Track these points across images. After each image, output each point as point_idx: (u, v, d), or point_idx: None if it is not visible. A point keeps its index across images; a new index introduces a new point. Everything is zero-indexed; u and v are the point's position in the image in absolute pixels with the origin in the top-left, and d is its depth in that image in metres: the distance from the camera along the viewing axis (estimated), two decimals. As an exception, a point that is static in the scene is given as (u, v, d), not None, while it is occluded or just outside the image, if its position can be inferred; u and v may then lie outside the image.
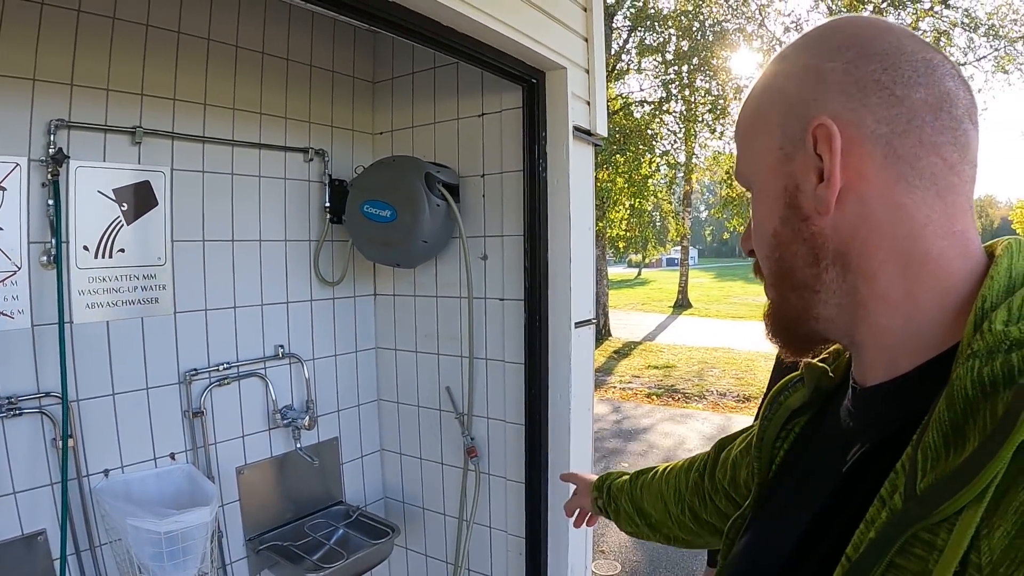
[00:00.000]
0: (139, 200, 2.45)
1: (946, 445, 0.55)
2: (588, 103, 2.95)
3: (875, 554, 0.56)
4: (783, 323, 0.79)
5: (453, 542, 3.23)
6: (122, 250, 2.41)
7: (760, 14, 16.04)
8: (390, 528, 2.97)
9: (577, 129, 2.81)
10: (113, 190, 2.37)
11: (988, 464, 0.50)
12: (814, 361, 0.91)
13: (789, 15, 16.35)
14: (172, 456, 2.56)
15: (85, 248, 2.32)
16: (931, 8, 15.02)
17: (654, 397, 11.54)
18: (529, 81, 2.70)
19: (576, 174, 2.78)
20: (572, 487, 1.77)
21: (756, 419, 1.10)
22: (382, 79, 3.34)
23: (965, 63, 15.59)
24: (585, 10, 2.90)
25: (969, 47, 15.55)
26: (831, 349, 0.93)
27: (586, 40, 2.91)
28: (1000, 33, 15.12)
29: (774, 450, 0.94)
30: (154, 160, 2.49)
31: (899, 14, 14.93)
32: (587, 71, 2.93)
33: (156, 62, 2.46)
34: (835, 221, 0.69)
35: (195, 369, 2.63)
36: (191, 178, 2.61)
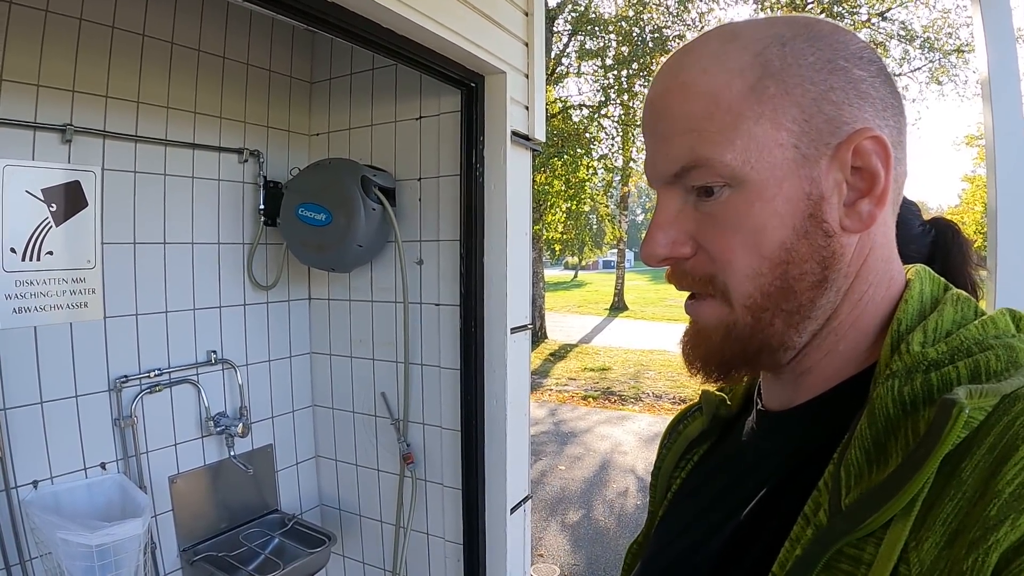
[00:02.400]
0: (69, 201, 2.37)
1: (868, 461, 0.57)
2: (527, 108, 2.95)
3: (802, 571, 0.56)
4: (749, 351, 0.69)
5: (391, 549, 3.19)
6: (51, 252, 2.33)
7: (700, 21, 16.26)
8: (326, 536, 2.92)
9: (515, 134, 2.81)
10: (42, 190, 2.29)
11: (913, 477, 0.51)
12: (711, 390, 0.90)
13: (730, 21, 16.54)
14: (103, 466, 2.48)
15: (12, 250, 2.23)
16: (868, 20, 15.43)
17: (590, 399, 11.64)
18: (468, 85, 2.69)
19: (513, 179, 2.79)
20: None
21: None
22: (320, 79, 3.30)
23: (900, 74, 16.06)
24: (526, 15, 2.90)
25: (904, 58, 16.02)
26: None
27: (526, 45, 2.91)
28: (935, 46, 15.57)
29: (671, 480, 0.91)
30: (85, 159, 2.41)
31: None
32: (527, 76, 2.93)
33: (88, 57, 2.39)
34: (850, 241, 0.66)
35: (125, 376, 2.55)
36: (123, 178, 2.54)
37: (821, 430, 0.67)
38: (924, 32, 15.56)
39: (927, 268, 0.71)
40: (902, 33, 15.54)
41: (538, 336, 18.07)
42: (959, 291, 0.68)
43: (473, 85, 2.69)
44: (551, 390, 12.44)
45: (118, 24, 2.47)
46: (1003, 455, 0.50)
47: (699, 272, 0.70)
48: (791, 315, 0.66)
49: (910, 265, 0.72)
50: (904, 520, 0.52)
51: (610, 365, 14.82)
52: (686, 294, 0.73)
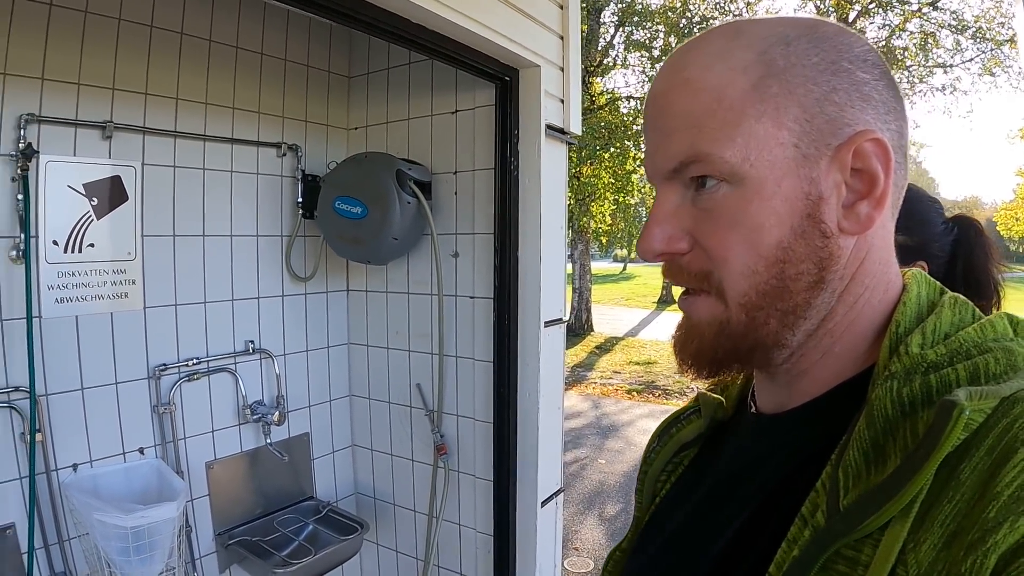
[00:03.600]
0: (109, 195, 2.44)
1: (867, 463, 0.57)
2: (562, 101, 2.95)
3: (799, 572, 0.56)
4: (740, 349, 0.69)
5: (423, 538, 3.23)
6: (92, 245, 2.40)
7: (748, 11, 16.04)
8: (359, 524, 2.97)
9: (550, 127, 2.81)
10: (83, 185, 2.36)
11: (912, 478, 0.52)
12: (708, 392, 0.90)
13: (777, 12, 16.30)
14: (141, 451, 2.55)
15: (55, 243, 2.31)
16: (919, 10, 15.06)
17: (634, 393, 11.59)
18: (502, 79, 2.70)
19: (548, 172, 2.78)
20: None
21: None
22: (358, 74, 3.33)
23: (952, 65, 15.66)
24: (561, 8, 2.89)
25: (956, 49, 15.60)
26: (718, 380, 0.92)
27: (562, 38, 2.91)
28: (987, 36, 15.12)
29: (658, 484, 0.91)
30: (125, 155, 2.47)
31: (887, 15, 14.99)
32: (562, 69, 2.93)
33: (128, 56, 2.45)
34: (848, 243, 0.66)
35: (164, 364, 2.62)
36: (162, 173, 2.60)
37: (818, 432, 0.67)
38: (976, 22, 15.07)
39: (923, 272, 0.71)
40: (953, 23, 15.13)
41: (584, 329, 18.03)
42: (956, 294, 0.68)
43: (507, 79, 2.70)
44: (595, 383, 12.40)
45: (156, 23, 2.52)
46: (1002, 457, 0.51)
47: (695, 268, 0.70)
48: (786, 315, 0.66)
49: (906, 268, 0.72)
50: (902, 521, 0.52)
51: (656, 359, 14.72)
52: None
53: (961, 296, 0.68)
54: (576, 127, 3.02)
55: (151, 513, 2.08)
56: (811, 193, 0.64)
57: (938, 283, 0.70)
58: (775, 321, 0.67)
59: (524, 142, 2.75)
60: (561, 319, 3.02)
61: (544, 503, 2.90)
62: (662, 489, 0.90)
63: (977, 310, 0.67)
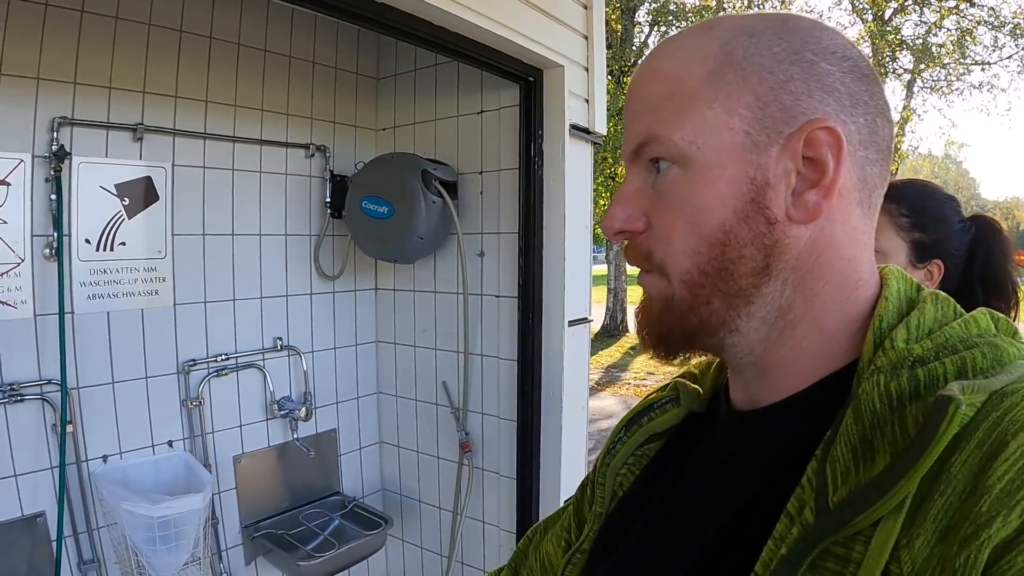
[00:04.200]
0: (141, 195, 2.50)
1: (855, 458, 0.56)
2: (587, 101, 2.95)
3: (787, 570, 0.55)
4: (687, 328, 0.70)
5: (447, 535, 3.25)
6: (123, 243, 2.47)
7: (783, 10, 15.85)
8: (384, 520, 3.00)
9: (575, 127, 2.82)
10: (115, 185, 2.43)
11: (907, 475, 0.51)
12: (687, 382, 0.87)
13: (811, 12, 16.13)
14: (170, 444, 2.61)
15: (87, 241, 2.38)
16: (956, 6, 14.77)
17: (668, 394, 11.48)
18: (526, 79, 2.71)
19: (573, 172, 2.79)
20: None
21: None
22: (385, 75, 3.36)
23: (990, 62, 15.35)
24: (586, 8, 2.90)
25: (995, 46, 15.28)
26: (686, 371, 0.91)
27: (586, 38, 2.91)
28: (1024, 32, 14.83)
29: (618, 476, 0.87)
30: (156, 156, 2.54)
31: (923, 11, 14.75)
32: (586, 69, 2.93)
33: (158, 60, 2.51)
34: (800, 232, 0.65)
35: (193, 360, 2.68)
36: (192, 173, 2.66)
37: (799, 428, 0.66)
38: (1015, 17, 14.71)
39: (898, 267, 0.71)
40: (991, 19, 14.80)
41: (619, 330, 17.93)
42: (935, 291, 0.68)
43: (531, 79, 2.71)
44: (629, 384, 12.32)
45: (186, 27, 2.58)
46: (993, 451, 0.50)
47: (645, 247, 0.71)
48: (730, 297, 0.66)
49: (882, 265, 0.71)
50: (894, 518, 0.51)
51: (690, 360, 14.60)
52: None
53: (941, 292, 0.67)
54: (601, 127, 3.02)
55: (177, 504, 2.13)
56: (756, 179, 0.64)
57: (914, 280, 0.70)
58: (719, 302, 0.67)
59: (548, 142, 2.76)
60: (586, 318, 3.02)
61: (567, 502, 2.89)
62: (625, 483, 0.87)
63: (959, 307, 0.66)
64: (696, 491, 0.76)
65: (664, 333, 0.72)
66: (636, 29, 16.09)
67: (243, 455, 2.86)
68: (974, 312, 0.65)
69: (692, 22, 15.77)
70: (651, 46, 16.47)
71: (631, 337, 17.77)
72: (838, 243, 0.66)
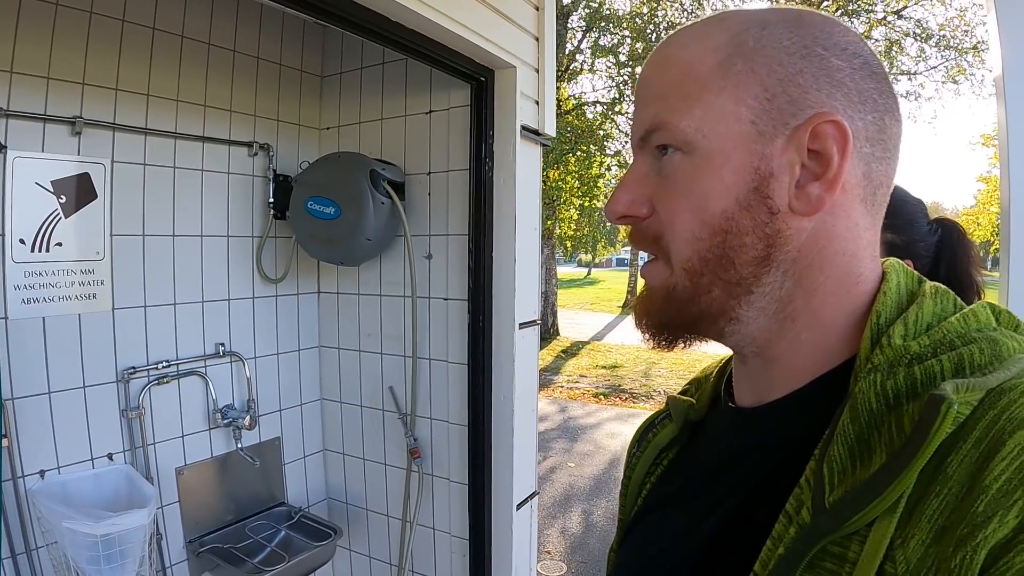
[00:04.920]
0: (78, 192, 2.38)
1: (852, 458, 0.56)
2: (537, 103, 2.94)
3: (785, 570, 0.56)
4: (687, 316, 0.71)
5: (396, 544, 3.20)
6: (59, 244, 2.34)
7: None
8: (332, 530, 2.93)
9: (525, 129, 2.81)
10: (51, 182, 2.30)
11: (901, 475, 0.51)
12: (678, 396, 0.91)
13: None
14: (110, 457, 2.49)
15: (21, 241, 2.25)
16: (884, 18, 15.33)
17: (601, 397, 11.64)
18: (478, 79, 2.69)
19: (523, 174, 2.78)
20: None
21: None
22: (331, 73, 3.30)
23: (916, 72, 15.95)
24: (537, 9, 2.89)
25: (920, 56, 15.90)
26: (691, 380, 0.94)
27: (537, 39, 2.91)
28: (951, 44, 15.46)
29: (641, 487, 0.90)
30: (94, 152, 2.42)
31: (852, 22, 15.22)
32: (537, 70, 2.92)
33: (99, 50, 2.39)
34: (802, 225, 0.65)
35: (133, 367, 2.57)
36: (132, 171, 2.55)
37: (799, 426, 0.67)
38: (940, 30, 15.43)
39: (900, 261, 0.71)
40: (918, 31, 15.43)
41: (550, 333, 18.08)
42: (936, 284, 0.68)
43: (483, 79, 2.69)
44: (562, 387, 12.44)
45: (128, 17, 2.47)
46: (990, 450, 0.50)
47: (650, 232, 0.72)
48: (731, 285, 0.67)
49: (883, 258, 0.72)
50: (889, 517, 0.52)
51: (621, 363, 14.83)
52: None
53: (942, 286, 0.68)
54: (551, 129, 3.02)
55: (122, 520, 2.03)
56: (761, 169, 0.65)
57: (917, 273, 0.70)
58: (719, 290, 0.68)
59: (499, 143, 2.74)
60: (535, 321, 3.01)
61: (519, 506, 2.88)
62: (644, 491, 0.90)
63: (959, 300, 0.67)
64: (700, 491, 0.77)
65: (665, 323, 0.73)
66: (569, 34, 16.22)
67: (186, 467, 2.75)
68: (974, 306, 0.66)
69: (625, 29, 16.09)
70: (584, 51, 16.66)
71: (562, 340, 17.98)
72: (840, 238, 0.67)
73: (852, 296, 0.67)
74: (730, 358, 0.83)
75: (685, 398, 0.89)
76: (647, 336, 0.76)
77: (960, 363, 0.58)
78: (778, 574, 0.56)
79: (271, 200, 3.05)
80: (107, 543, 2.01)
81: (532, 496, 3.02)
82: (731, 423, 0.79)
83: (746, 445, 0.74)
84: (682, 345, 0.75)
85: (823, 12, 0.72)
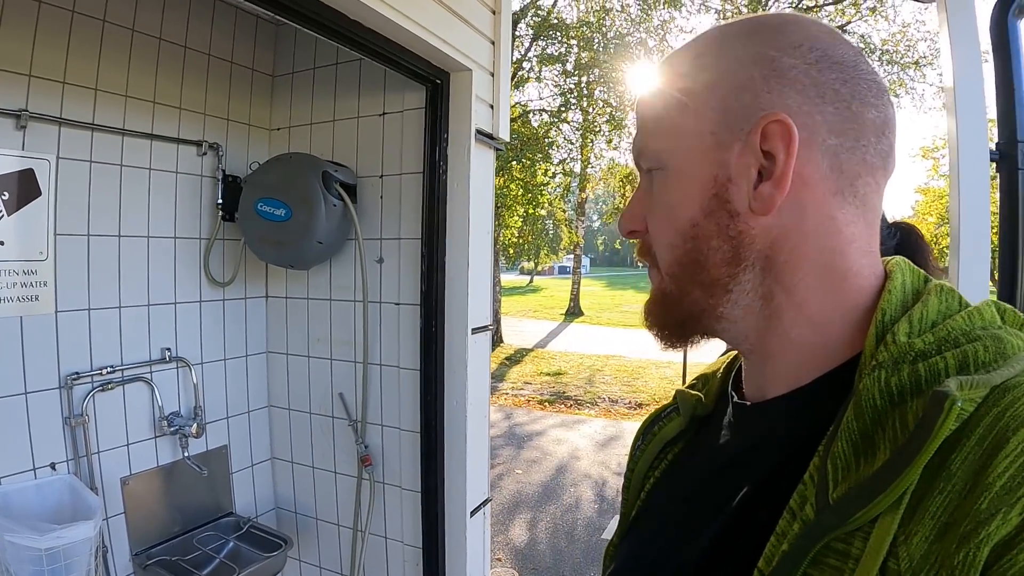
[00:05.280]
0: (21, 189, 2.28)
1: (856, 454, 0.56)
2: (492, 107, 2.93)
3: (789, 566, 0.56)
4: (676, 317, 0.76)
5: (348, 553, 3.14)
6: (1, 243, 2.24)
7: (662, 29, 16.44)
8: (282, 540, 2.87)
9: (480, 132, 2.79)
10: (-7, 177, 2.22)
11: (904, 471, 0.51)
12: (687, 389, 0.92)
13: (691, 31, 16.99)
14: (53, 466, 2.39)
15: (-39, 240, 2.16)
16: (828, 32, 15.84)
17: (546, 404, 11.68)
18: (433, 81, 2.66)
19: (477, 178, 2.76)
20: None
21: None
22: (282, 73, 3.25)
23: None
24: (494, 13, 2.88)
25: (863, 71, 16.47)
26: (699, 375, 0.96)
27: (493, 43, 2.89)
28: (894, 59, 15.98)
29: (645, 480, 0.92)
30: (39, 147, 2.33)
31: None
32: (492, 74, 2.91)
33: (47, 41, 2.30)
34: (766, 223, 0.67)
35: (77, 373, 2.47)
36: (78, 168, 2.46)
37: (803, 422, 0.67)
38: (883, 45, 15.93)
39: (906, 260, 0.71)
40: (861, 46, 15.89)
41: (494, 340, 18.08)
42: (941, 282, 0.68)
43: (438, 82, 2.67)
44: (507, 394, 12.45)
45: (78, 8, 2.39)
46: (993, 447, 0.50)
47: (646, 244, 0.78)
48: (707, 286, 0.71)
49: (888, 257, 0.72)
50: (892, 514, 0.51)
51: (565, 369, 14.89)
52: (641, 301, 0.81)
53: (947, 284, 0.68)
54: (505, 133, 3.00)
55: (67, 533, 1.95)
56: (719, 176, 0.68)
57: (923, 272, 0.70)
58: (698, 291, 0.72)
59: (453, 146, 2.72)
60: (488, 326, 2.99)
61: (473, 513, 2.86)
62: (648, 485, 0.91)
63: (964, 298, 0.67)
64: (704, 486, 0.79)
65: (661, 323, 0.78)
66: (517, 42, 16.27)
67: (131, 476, 2.66)
68: (979, 304, 0.66)
69: (572, 38, 16.22)
70: (530, 59, 16.73)
71: (506, 347, 18.01)
72: (813, 234, 0.67)
73: (845, 293, 0.68)
74: (739, 355, 0.85)
75: (693, 392, 0.90)
76: (653, 335, 0.80)
77: (964, 360, 0.58)
78: (782, 570, 0.56)
79: (220, 201, 2.97)
80: (52, 557, 1.92)
81: (485, 503, 3.00)
82: (736, 418, 0.80)
83: (750, 441, 0.75)
84: (685, 343, 0.79)
85: (786, 12, 0.76)
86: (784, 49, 0.67)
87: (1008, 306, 0.67)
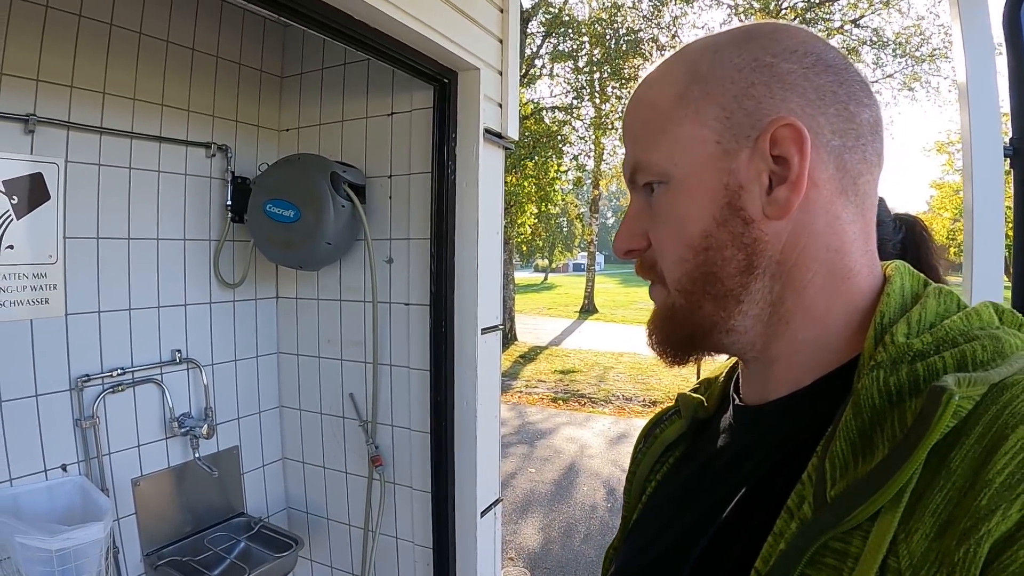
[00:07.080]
0: (31, 193, 2.30)
1: (854, 453, 0.57)
2: (500, 105, 2.92)
3: (786, 566, 0.56)
4: (685, 332, 0.74)
5: (359, 553, 3.15)
6: (11, 247, 2.25)
7: (674, 25, 16.39)
8: (293, 540, 2.87)
9: (488, 132, 2.78)
10: (3, 182, 2.22)
11: (902, 467, 0.51)
12: (689, 392, 0.93)
13: (703, 27, 16.98)
14: (63, 468, 2.41)
15: (-30, 244, 2.17)
16: (841, 27, 15.66)
17: (559, 402, 11.66)
18: (441, 81, 2.66)
19: (486, 177, 2.76)
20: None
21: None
22: (290, 74, 3.25)
23: (873, 80, 16.31)
24: (501, 11, 2.87)
25: (877, 64, 16.27)
26: (702, 379, 0.96)
27: (501, 42, 2.89)
28: (907, 52, 15.86)
29: (646, 483, 0.92)
30: (48, 151, 2.34)
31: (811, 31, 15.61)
32: (500, 73, 2.90)
33: (54, 46, 2.32)
34: (779, 228, 0.67)
35: (87, 375, 2.48)
36: (87, 171, 2.47)
37: (802, 423, 0.68)
38: (896, 38, 15.80)
39: (905, 263, 0.72)
40: (875, 39, 15.78)
41: (508, 338, 18.08)
42: (940, 284, 0.69)
43: (446, 81, 2.66)
44: (520, 392, 12.44)
45: (85, 12, 2.40)
46: (993, 444, 0.51)
47: (649, 261, 0.77)
48: (719, 299, 0.70)
49: (888, 261, 0.73)
50: (892, 512, 0.52)
51: (579, 368, 14.87)
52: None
53: (945, 287, 0.68)
54: (514, 132, 2.99)
55: (77, 535, 1.95)
56: (730, 184, 0.68)
57: (922, 275, 0.71)
58: (709, 304, 0.71)
59: (462, 146, 2.72)
60: (498, 326, 2.98)
61: (483, 513, 2.86)
62: (649, 488, 0.91)
63: (962, 300, 0.68)
64: (704, 488, 0.79)
65: (666, 339, 0.77)
66: (528, 40, 16.25)
67: (142, 477, 2.67)
68: (977, 305, 0.67)
69: (584, 35, 16.17)
70: (542, 56, 16.71)
71: (520, 345, 17.99)
72: (821, 233, 0.68)
73: (846, 292, 0.69)
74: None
75: (695, 396, 0.91)
76: (657, 353, 0.79)
77: (963, 359, 0.59)
78: (779, 570, 0.57)
79: (229, 203, 2.98)
80: (62, 558, 1.93)
81: (496, 503, 2.99)
82: (737, 421, 0.80)
83: (750, 443, 0.75)
84: (689, 360, 0.78)
85: (773, 20, 0.75)
86: (780, 55, 0.68)
87: (1006, 307, 0.68)
